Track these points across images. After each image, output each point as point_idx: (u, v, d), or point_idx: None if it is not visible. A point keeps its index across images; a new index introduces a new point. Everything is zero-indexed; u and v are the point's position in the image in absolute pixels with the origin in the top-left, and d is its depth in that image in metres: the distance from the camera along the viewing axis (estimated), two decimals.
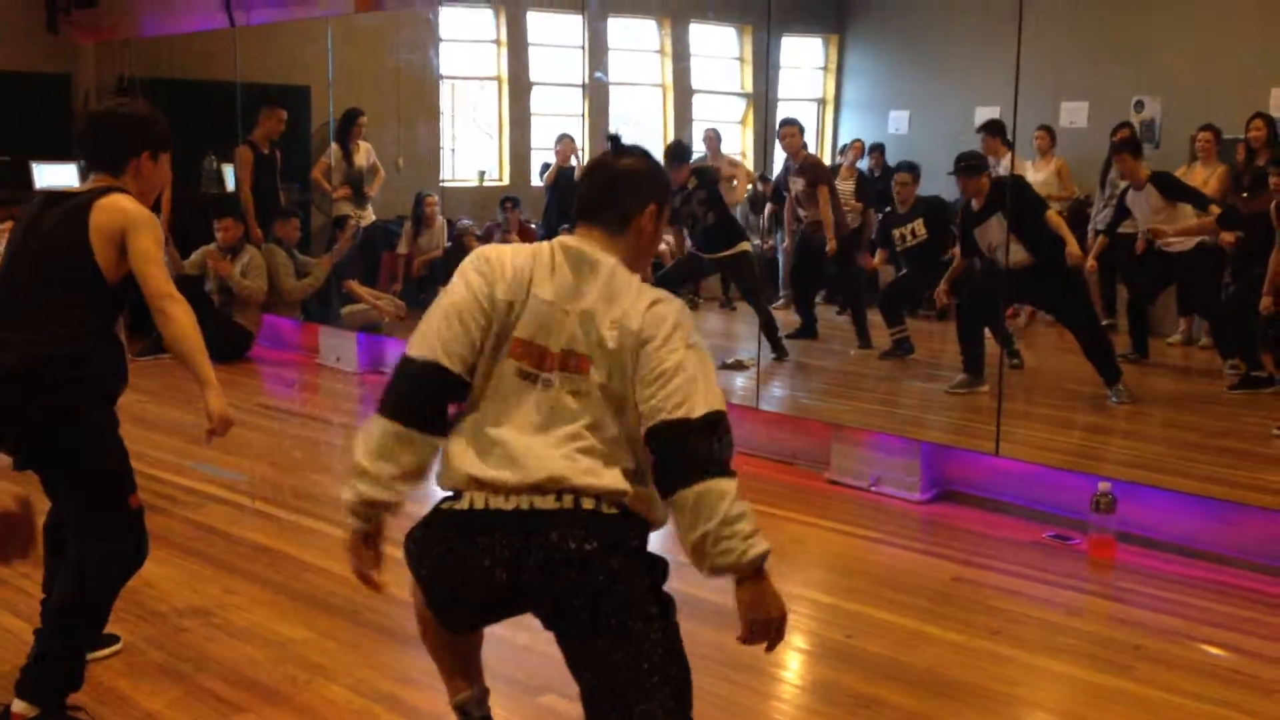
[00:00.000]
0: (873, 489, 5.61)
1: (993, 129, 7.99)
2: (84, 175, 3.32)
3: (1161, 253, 7.30)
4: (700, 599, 3.26)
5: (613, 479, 2.32)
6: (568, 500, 2.29)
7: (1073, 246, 6.63)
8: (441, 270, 9.26)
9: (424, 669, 3.54)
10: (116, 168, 3.28)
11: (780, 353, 7.83)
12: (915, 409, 6.87)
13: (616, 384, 2.35)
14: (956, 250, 7.44)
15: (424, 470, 2.42)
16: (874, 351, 8.17)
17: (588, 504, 2.30)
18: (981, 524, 5.20)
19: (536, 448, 2.33)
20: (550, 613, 2.37)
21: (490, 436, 2.37)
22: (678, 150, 8.57)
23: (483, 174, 11.79)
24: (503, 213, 10.08)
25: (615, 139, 2.59)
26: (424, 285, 9.35)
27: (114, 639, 3.61)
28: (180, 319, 3.16)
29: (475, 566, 2.32)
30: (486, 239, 9.69)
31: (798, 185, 8.69)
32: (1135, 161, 7.22)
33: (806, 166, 8.64)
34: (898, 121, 12.07)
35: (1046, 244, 6.58)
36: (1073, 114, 10.15)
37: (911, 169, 8.29)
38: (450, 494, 2.41)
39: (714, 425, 2.26)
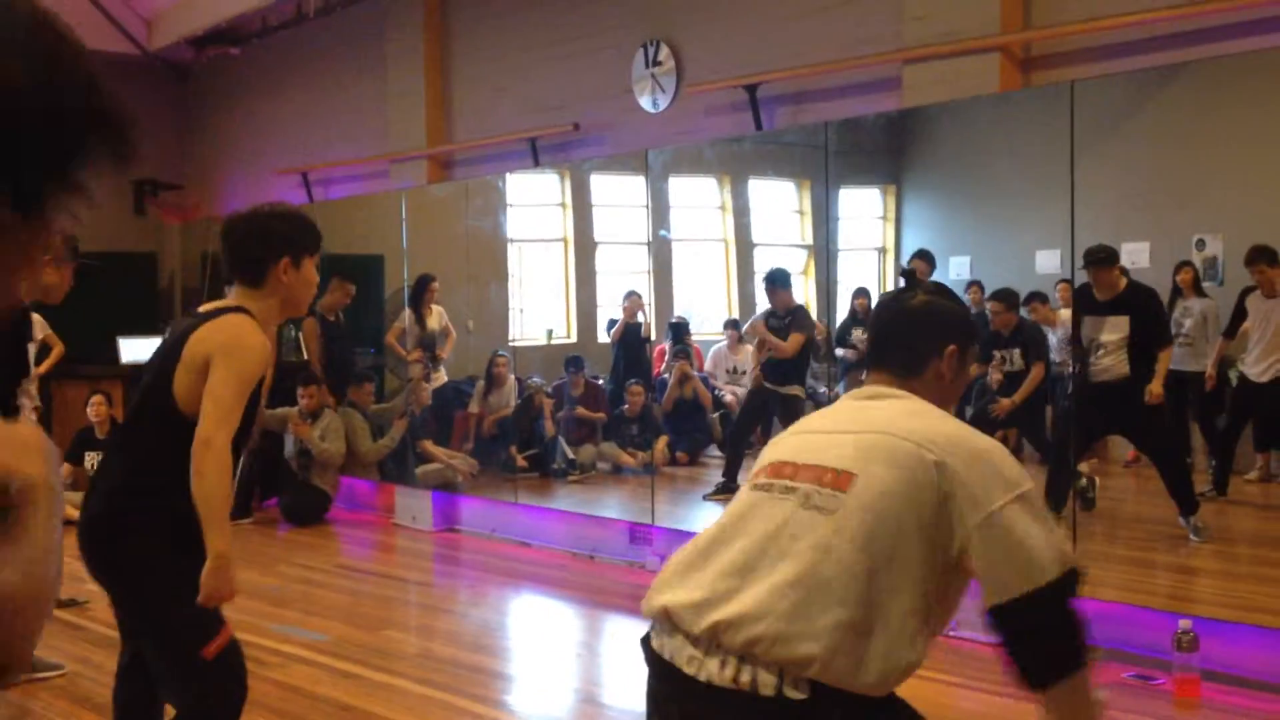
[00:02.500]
0: (952, 634, 5.56)
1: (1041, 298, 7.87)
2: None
3: (1245, 384, 7.33)
4: None
5: (807, 644, 1.89)
6: (744, 676, 1.92)
7: (1157, 384, 6.61)
8: (511, 428, 9.44)
9: None
10: (256, 278, 3.07)
11: None
12: None
13: (891, 504, 1.96)
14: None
15: None
16: None
17: (766, 689, 1.90)
18: None
19: (740, 588, 1.98)
20: None
21: (695, 558, 2.09)
22: (779, 276, 8.58)
23: (550, 332, 12.02)
24: (568, 373, 10.28)
25: (910, 274, 2.34)
26: (496, 443, 9.51)
27: None
28: (210, 476, 2.86)
29: None
30: (557, 396, 9.87)
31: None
32: (1274, 269, 7.25)
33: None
34: (959, 267, 12.19)
35: (1148, 369, 6.58)
36: (1134, 255, 10.22)
37: (1005, 298, 8.12)
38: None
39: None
